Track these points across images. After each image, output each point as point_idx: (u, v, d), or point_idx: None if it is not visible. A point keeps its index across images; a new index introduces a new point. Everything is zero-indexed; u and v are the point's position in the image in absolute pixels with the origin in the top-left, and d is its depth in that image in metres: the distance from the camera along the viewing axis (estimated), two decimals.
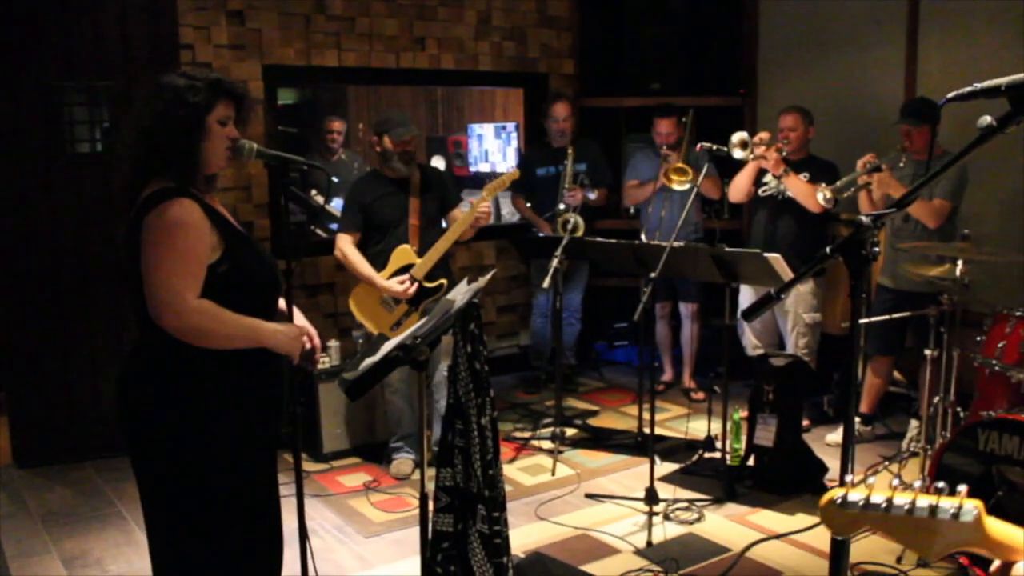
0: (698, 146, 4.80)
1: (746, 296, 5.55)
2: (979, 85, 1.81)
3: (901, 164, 4.96)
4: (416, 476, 4.94)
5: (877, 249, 1.95)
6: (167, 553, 2.58)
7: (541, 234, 5.81)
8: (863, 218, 1.92)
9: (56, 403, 5.20)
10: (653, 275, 4.25)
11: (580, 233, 5.42)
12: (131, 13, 5.14)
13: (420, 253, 4.82)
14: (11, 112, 4.99)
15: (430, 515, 2.85)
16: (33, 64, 4.99)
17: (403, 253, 4.83)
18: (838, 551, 2.06)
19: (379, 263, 4.84)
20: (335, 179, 6.99)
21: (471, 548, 2.81)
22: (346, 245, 4.90)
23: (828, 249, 2.02)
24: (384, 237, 4.87)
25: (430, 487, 2.81)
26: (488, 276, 2.86)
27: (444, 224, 5.02)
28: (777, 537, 4.15)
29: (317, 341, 2.70)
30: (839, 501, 1.38)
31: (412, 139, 4.83)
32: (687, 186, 5.69)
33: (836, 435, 5.32)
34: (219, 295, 2.42)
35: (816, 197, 5.00)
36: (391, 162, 4.84)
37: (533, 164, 6.32)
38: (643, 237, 5.97)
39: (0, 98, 4.96)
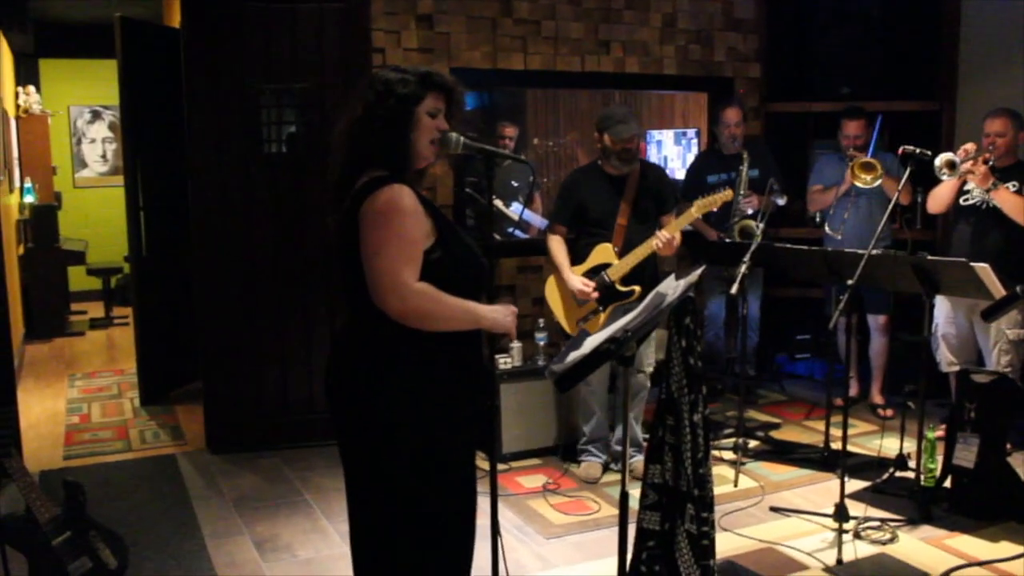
0: (900, 150, 4.58)
1: (942, 310, 5.27)
2: None
3: None
4: (604, 479, 4.93)
5: None
6: (369, 535, 2.61)
7: (727, 239, 5.68)
8: None
9: (247, 394, 5.42)
10: (851, 283, 4.08)
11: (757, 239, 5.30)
12: (328, 19, 5.30)
13: (621, 254, 4.78)
14: (215, 113, 5.22)
15: (635, 512, 2.79)
16: (236, 68, 5.22)
17: (603, 251, 4.81)
18: None
19: (582, 260, 4.86)
20: (514, 183, 7.04)
21: (679, 548, 2.74)
22: (551, 236, 4.94)
23: None
24: (594, 232, 4.85)
25: (632, 491, 2.75)
26: (699, 271, 2.80)
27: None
28: (980, 564, 3.90)
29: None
30: None
31: (633, 138, 4.75)
32: (876, 183, 5.47)
33: None
34: (432, 282, 2.44)
35: None
36: (610, 160, 4.80)
37: (704, 171, 6.18)
38: (826, 229, 5.80)
39: (207, 99, 5.20)
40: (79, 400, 6.66)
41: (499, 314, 2.58)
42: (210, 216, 5.28)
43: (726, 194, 4.80)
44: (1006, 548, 4.05)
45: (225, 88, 5.22)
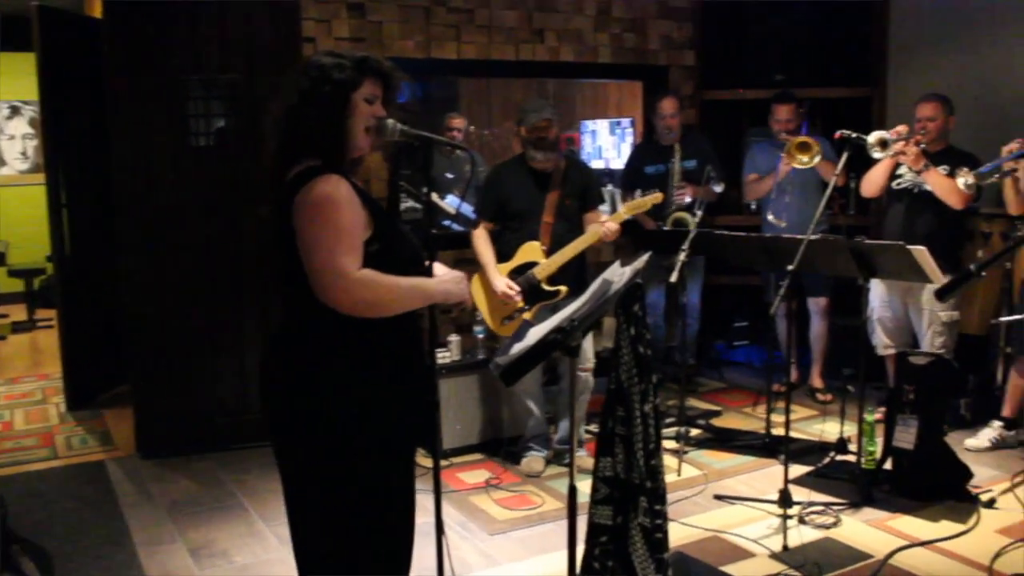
0: (837, 134, 4.59)
1: (876, 293, 5.31)
2: None
3: None
4: (547, 473, 4.87)
5: None
6: (309, 538, 2.51)
7: (665, 228, 5.66)
8: None
9: (178, 397, 5.25)
10: (791, 268, 4.07)
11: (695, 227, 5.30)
12: (255, 8, 5.16)
13: (549, 252, 4.72)
14: (140, 106, 5.04)
15: (584, 507, 2.71)
16: (161, 59, 5.04)
17: (530, 249, 4.73)
18: None
19: (508, 256, 4.77)
20: (449, 175, 6.95)
21: (632, 542, 2.67)
22: (475, 232, 4.86)
23: None
24: (517, 229, 4.78)
25: (579, 485, 2.69)
26: (645, 257, 2.74)
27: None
28: (923, 544, 3.93)
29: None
30: None
31: (546, 124, 4.66)
32: (814, 162, 5.46)
33: (976, 439, 5.06)
34: None
35: (957, 193, 4.76)
36: (530, 152, 4.72)
37: (641, 162, 6.17)
38: (769, 218, 5.81)
39: (131, 92, 5.01)
40: (1, 407, 6.41)
41: (450, 284, 2.52)
42: (136, 213, 5.09)
43: (655, 197, 4.77)
44: (947, 527, 4.09)
45: (150, 80, 5.03)
